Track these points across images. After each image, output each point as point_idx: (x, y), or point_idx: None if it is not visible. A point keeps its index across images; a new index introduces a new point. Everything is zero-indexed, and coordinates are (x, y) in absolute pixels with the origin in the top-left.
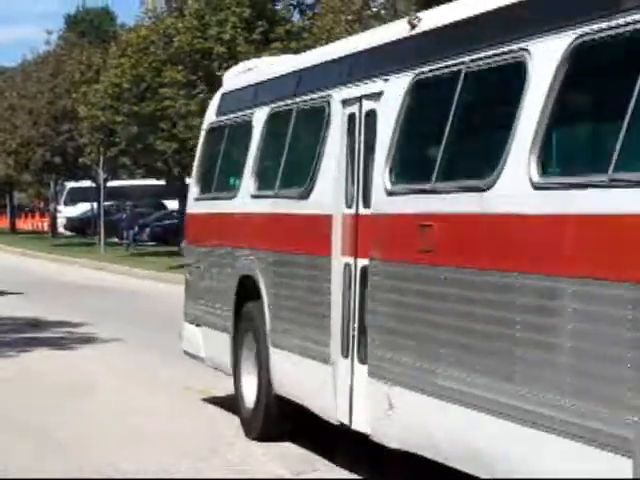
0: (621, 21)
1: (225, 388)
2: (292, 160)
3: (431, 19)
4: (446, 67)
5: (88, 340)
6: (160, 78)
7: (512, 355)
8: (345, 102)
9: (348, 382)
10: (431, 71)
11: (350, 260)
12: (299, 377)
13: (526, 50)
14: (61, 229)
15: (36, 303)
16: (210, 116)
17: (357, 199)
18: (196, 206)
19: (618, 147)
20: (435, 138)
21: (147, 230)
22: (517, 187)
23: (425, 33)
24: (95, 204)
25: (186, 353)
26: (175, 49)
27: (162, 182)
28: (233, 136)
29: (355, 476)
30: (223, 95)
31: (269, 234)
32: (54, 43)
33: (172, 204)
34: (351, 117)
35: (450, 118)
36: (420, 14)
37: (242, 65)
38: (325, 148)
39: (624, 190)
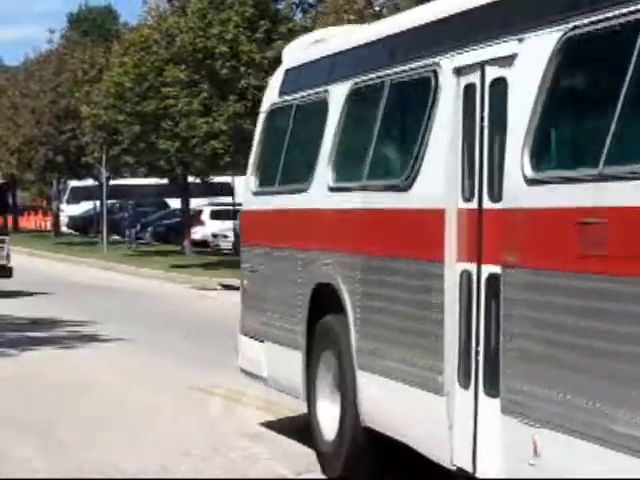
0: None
1: (229, 388)
2: (385, 144)
3: None
4: (617, 16)
5: (91, 339)
6: (162, 77)
7: None
8: (460, 71)
9: (470, 419)
10: (592, 23)
11: (470, 267)
12: (397, 408)
13: None
14: (64, 228)
15: (47, 302)
16: (271, 96)
17: (479, 190)
18: (255, 201)
19: None
20: (604, 107)
21: (149, 229)
22: None
23: None
24: (98, 203)
25: (243, 371)
26: (177, 48)
27: (165, 181)
28: (303, 118)
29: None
30: (287, 72)
31: (355, 234)
32: (57, 42)
33: (175, 203)
34: (469, 88)
35: (626, 79)
36: None
37: (307, 37)
38: (432, 127)
39: None
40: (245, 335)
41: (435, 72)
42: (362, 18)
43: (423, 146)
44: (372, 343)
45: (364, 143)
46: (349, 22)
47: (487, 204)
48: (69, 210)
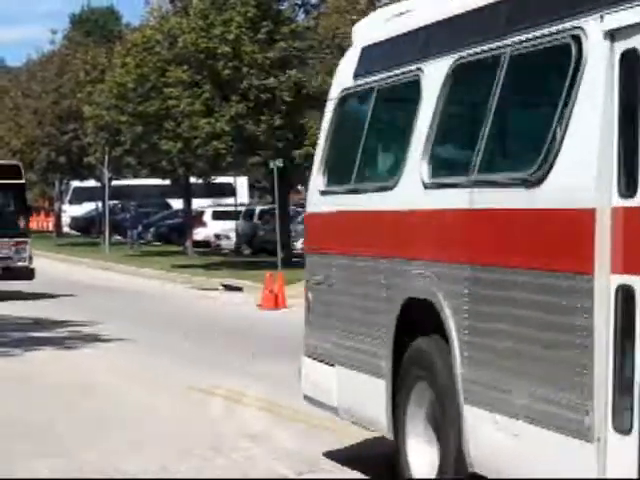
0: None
1: (229, 388)
2: (505, 129)
3: None
4: None
5: (92, 339)
6: (165, 78)
7: None
8: (614, 34)
9: (630, 472)
10: None
11: (629, 280)
12: (522, 455)
13: None
14: (66, 228)
15: (48, 302)
16: (342, 80)
17: None
18: (323, 202)
19: None
20: None
21: (152, 229)
22: None
23: None
24: (100, 203)
25: (307, 398)
26: (180, 49)
27: (167, 181)
28: (386, 103)
29: (357, 476)
30: (364, 51)
31: (462, 240)
32: (59, 43)
33: (177, 203)
34: (627, 56)
35: None
36: None
37: (384, 11)
38: (574, 106)
39: None
40: (310, 357)
41: (577, 38)
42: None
43: (561, 129)
44: (485, 373)
45: (473, 129)
46: (352, 23)
47: None
48: (71, 211)
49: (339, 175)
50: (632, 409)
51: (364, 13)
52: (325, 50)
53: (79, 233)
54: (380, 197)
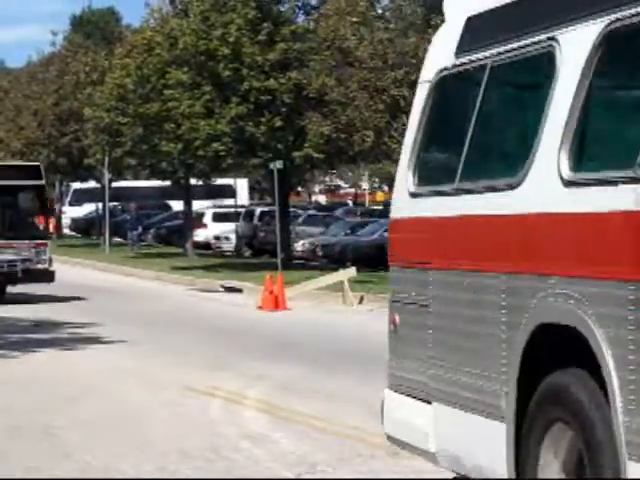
0: None
1: (229, 390)
2: None
3: None
4: None
5: (93, 341)
6: (165, 79)
7: None
8: None
9: None
10: None
11: None
12: None
13: None
14: (66, 230)
15: (47, 304)
16: (440, 59)
17: None
18: (415, 205)
19: None
20: None
21: (152, 231)
22: None
23: None
24: (100, 205)
25: (391, 439)
26: (180, 50)
27: (167, 183)
28: (503, 82)
29: (356, 476)
30: (470, 21)
31: (623, 250)
32: (59, 44)
33: (177, 205)
34: None
35: None
36: None
37: None
38: None
39: None
40: (397, 391)
41: None
42: (365, 20)
43: None
44: None
45: (635, 110)
46: (352, 24)
47: None
48: (71, 212)
49: (437, 173)
50: None
51: (364, 15)
52: (325, 52)
53: (79, 235)
54: (498, 198)
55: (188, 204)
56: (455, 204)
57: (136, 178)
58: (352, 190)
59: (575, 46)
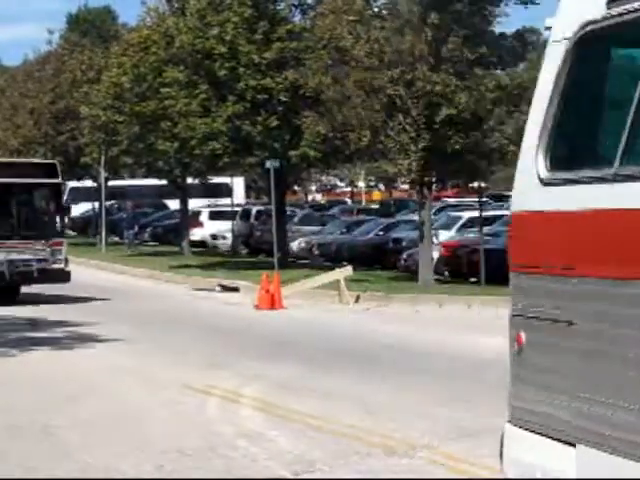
0: None
1: (226, 388)
2: None
3: None
4: None
5: (90, 339)
6: (161, 78)
7: None
8: None
9: None
10: None
11: None
12: None
13: None
14: None
15: (44, 302)
16: (584, 10)
17: None
18: (549, 195)
19: None
20: None
21: (148, 230)
22: None
23: None
24: (96, 204)
25: None
26: (176, 49)
27: (163, 181)
28: None
29: (354, 476)
30: None
31: None
32: (56, 42)
33: (174, 204)
34: None
35: None
36: None
37: None
38: None
39: None
40: (523, 427)
41: None
42: (362, 19)
43: None
44: None
45: None
46: (348, 23)
47: None
48: None
49: (583, 155)
50: None
51: (360, 13)
52: (321, 51)
53: (75, 233)
54: None
55: (184, 203)
56: (612, 194)
57: (132, 177)
58: (348, 189)
59: None
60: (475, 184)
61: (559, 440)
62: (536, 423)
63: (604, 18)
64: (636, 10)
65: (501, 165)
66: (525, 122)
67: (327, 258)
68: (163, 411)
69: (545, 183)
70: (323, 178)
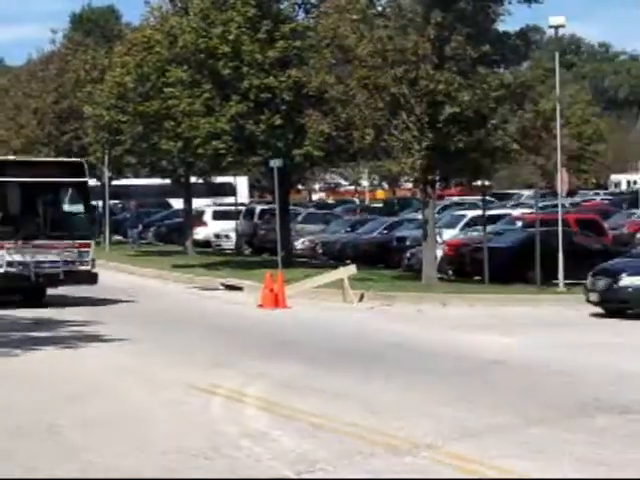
0: None
1: (230, 388)
2: None
3: None
4: None
5: (93, 339)
6: (165, 77)
7: None
8: None
9: None
10: None
11: None
12: None
13: None
14: None
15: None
16: None
17: None
18: None
19: None
20: None
21: (152, 229)
22: None
23: None
24: (100, 203)
25: None
26: (180, 48)
27: (167, 181)
28: None
29: (357, 475)
30: None
31: None
32: (59, 42)
33: (177, 203)
34: None
35: None
36: None
37: None
38: None
39: None
40: None
41: None
42: (365, 17)
43: None
44: None
45: None
46: (352, 22)
47: None
48: None
49: None
50: None
51: (364, 12)
52: (325, 49)
53: None
54: None
55: (188, 202)
56: None
57: (136, 176)
58: (352, 188)
59: None
60: (479, 182)
61: None
62: None
63: None
64: None
65: (504, 163)
66: (529, 120)
67: (331, 257)
68: (167, 411)
69: None
70: (327, 177)
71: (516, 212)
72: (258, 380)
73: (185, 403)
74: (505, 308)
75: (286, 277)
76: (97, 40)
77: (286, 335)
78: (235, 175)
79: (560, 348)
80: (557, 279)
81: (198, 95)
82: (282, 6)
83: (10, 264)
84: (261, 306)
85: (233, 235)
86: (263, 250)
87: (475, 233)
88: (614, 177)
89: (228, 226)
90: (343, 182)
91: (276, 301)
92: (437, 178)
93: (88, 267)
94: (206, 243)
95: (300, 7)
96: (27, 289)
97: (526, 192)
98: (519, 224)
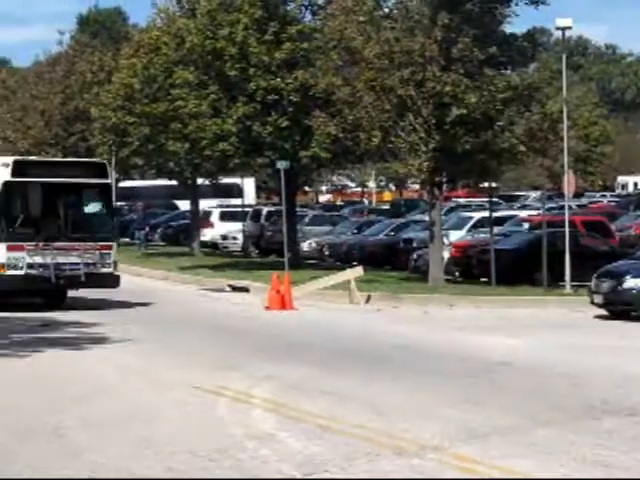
0: None
1: (237, 389)
2: None
3: None
4: None
5: (100, 340)
6: (172, 79)
7: None
8: None
9: None
10: None
11: None
12: None
13: None
14: None
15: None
16: None
17: None
18: None
19: None
20: None
21: (159, 230)
22: None
23: None
24: None
25: None
26: (187, 50)
27: (174, 182)
28: None
29: (364, 476)
30: None
31: None
32: (66, 44)
33: (184, 204)
34: None
35: None
36: None
37: None
38: None
39: None
40: None
41: None
42: (372, 19)
43: None
44: None
45: None
46: (359, 23)
47: None
48: None
49: None
50: None
51: (371, 14)
52: (332, 51)
53: None
54: None
55: (195, 204)
56: None
57: (143, 178)
58: (359, 189)
59: None
60: (485, 184)
61: None
62: None
63: None
64: None
65: (511, 165)
66: (536, 122)
67: (337, 258)
68: (174, 412)
69: None
70: (334, 178)
71: (523, 214)
72: (265, 382)
73: (193, 405)
74: (512, 310)
75: (293, 279)
76: (104, 42)
77: (293, 337)
78: (242, 176)
79: (566, 350)
80: (564, 281)
81: (205, 97)
82: (289, 8)
83: (30, 266)
84: (268, 308)
85: (240, 237)
86: (270, 252)
87: (482, 235)
88: (621, 179)
89: (235, 228)
90: (350, 184)
91: (283, 303)
92: (444, 180)
93: (110, 269)
94: (213, 244)
95: (307, 9)
96: (48, 291)
97: (533, 194)
98: (526, 226)
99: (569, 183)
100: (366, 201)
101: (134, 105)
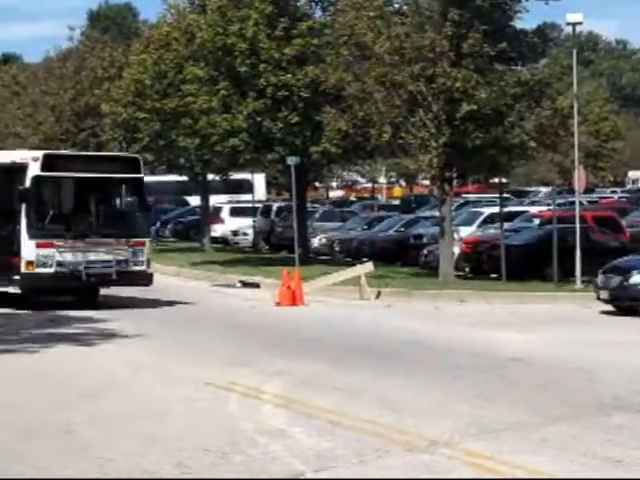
0: None
1: (247, 385)
2: None
3: None
4: None
5: (110, 336)
6: (182, 74)
7: None
8: None
9: None
10: None
11: None
12: None
13: None
14: None
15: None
16: None
17: None
18: None
19: None
20: None
21: (169, 226)
22: None
23: None
24: None
25: None
26: (197, 45)
27: (184, 178)
28: None
29: (375, 472)
30: None
31: None
32: (77, 39)
33: (194, 200)
34: None
35: None
36: None
37: None
38: None
39: None
40: None
41: None
42: (382, 15)
43: None
44: None
45: None
46: (369, 19)
47: None
48: None
49: None
50: None
51: (381, 9)
52: (342, 47)
53: None
54: None
55: (205, 199)
56: None
57: (153, 173)
58: (369, 185)
59: None
60: (496, 180)
61: None
62: None
63: None
64: None
65: (522, 161)
66: (546, 118)
67: (348, 254)
68: (185, 408)
69: None
70: (344, 174)
71: (533, 209)
72: (276, 377)
73: (203, 400)
74: (522, 305)
75: (303, 274)
76: (114, 37)
77: (304, 332)
78: (252, 172)
79: (577, 345)
80: (574, 276)
81: (215, 92)
82: (299, 4)
83: (60, 264)
84: (278, 303)
85: (250, 232)
86: (280, 247)
87: (492, 230)
88: (632, 174)
89: (245, 223)
90: (360, 179)
91: (293, 298)
92: (454, 175)
93: (143, 267)
94: (223, 240)
95: (317, 4)
96: (78, 289)
97: (543, 189)
98: (536, 221)
99: (579, 179)
100: (379, 196)
101: (145, 101)
